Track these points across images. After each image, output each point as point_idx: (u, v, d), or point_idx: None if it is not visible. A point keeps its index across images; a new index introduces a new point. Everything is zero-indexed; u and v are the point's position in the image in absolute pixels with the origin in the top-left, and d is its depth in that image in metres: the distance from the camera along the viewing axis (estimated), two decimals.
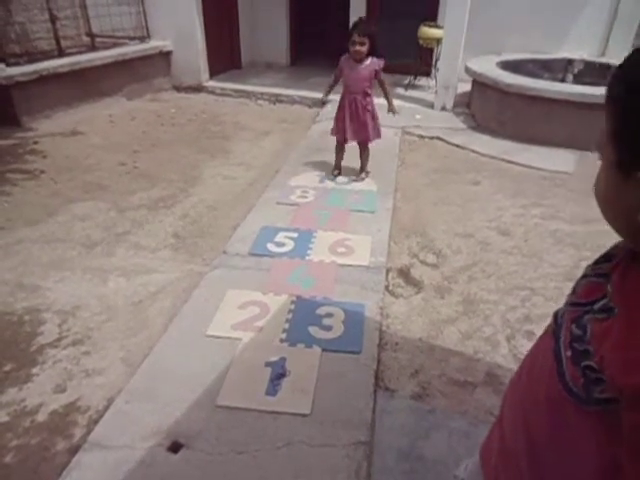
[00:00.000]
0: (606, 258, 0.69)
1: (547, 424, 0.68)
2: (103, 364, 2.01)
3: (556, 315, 0.71)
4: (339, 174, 3.71)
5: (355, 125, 3.44)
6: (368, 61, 3.25)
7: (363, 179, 3.66)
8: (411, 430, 1.75)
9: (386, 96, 3.44)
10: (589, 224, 3.07)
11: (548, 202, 3.49)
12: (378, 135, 3.55)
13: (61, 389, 1.88)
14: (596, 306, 0.62)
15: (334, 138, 3.63)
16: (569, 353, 0.62)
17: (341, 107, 3.46)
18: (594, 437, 0.60)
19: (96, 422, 1.72)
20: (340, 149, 3.65)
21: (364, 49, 3.18)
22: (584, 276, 0.71)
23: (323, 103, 3.62)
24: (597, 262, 0.71)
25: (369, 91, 3.35)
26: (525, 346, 2.16)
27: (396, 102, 5.62)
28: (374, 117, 3.46)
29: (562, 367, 0.63)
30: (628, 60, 0.56)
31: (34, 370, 1.97)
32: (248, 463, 1.58)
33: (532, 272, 2.70)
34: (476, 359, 2.10)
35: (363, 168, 3.68)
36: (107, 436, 1.66)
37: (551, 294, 2.50)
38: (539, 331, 2.37)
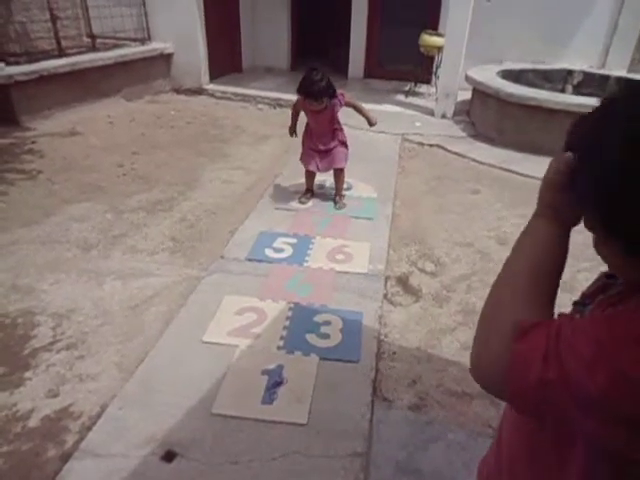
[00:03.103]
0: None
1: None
2: (97, 369, 1.98)
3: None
4: (312, 196, 3.47)
5: (327, 159, 3.29)
6: (328, 107, 3.07)
7: (345, 205, 3.37)
8: (408, 442, 1.72)
9: (362, 113, 3.23)
10: (588, 235, 3.05)
11: None
12: (347, 156, 3.36)
13: (54, 394, 1.85)
14: (598, 298, 0.65)
15: None
16: None
17: (309, 143, 3.29)
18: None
19: (89, 429, 1.70)
20: (310, 174, 3.43)
21: (322, 105, 3.03)
22: (596, 281, 0.72)
23: (291, 134, 3.41)
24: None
25: (337, 126, 3.23)
26: None
27: (397, 109, 5.70)
28: (345, 145, 3.32)
29: None
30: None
31: (27, 374, 1.93)
32: (243, 473, 1.55)
33: None
34: None
35: (339, 192, 3.41)
36: (100, 443, 1.63)
37: None
38: None
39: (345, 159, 3.33)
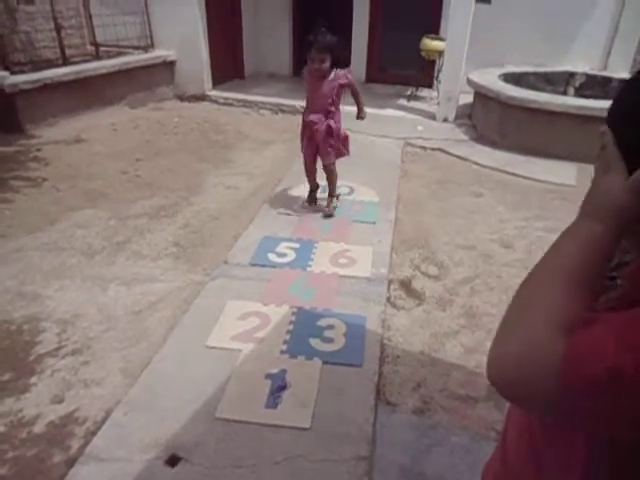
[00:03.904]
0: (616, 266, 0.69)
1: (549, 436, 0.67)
2: (102, 374, 1.99)
3: None
4: (316, 200, 3.39)
5: (315, 145, 3.13)
6: (332, 75, 2.91)
7: (335, 208, 3.28)
8: (412, 445, 1.72)
9: (357, 101, 3.13)
10: None
11: (551, 215, 3.48)
12: (341, 153, 3.20)
13: (59, 399, 1.87)
14: (599, 299, 0.63)
15: None
16: None
17: (303, 125, 3.16)
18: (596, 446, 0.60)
19: (94, 434, 1.71)
20: (309, 169, 3.30)
21: (325, 65, 2.84)
22: None
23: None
24: (613, 269, 0.70)
25: (332, 109, 3.02)
26: None
27: (398, 113, 5.71)
28: (338, 136, 3.12)
29: None
30: None
31: (32, 380, 1.95)
32: (247, 477, 1.56)
33: None
34: (478, 373, 2.08)
35: (331, 193, 3.29)
36: (104, 448, 1.64)
37: None
38: None
39: (332, 154, 3.14)
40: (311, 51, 2.82)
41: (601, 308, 0.64)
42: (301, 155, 3.32)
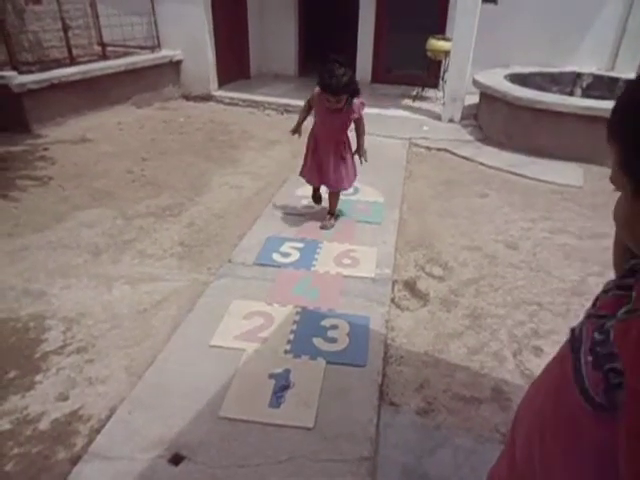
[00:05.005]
0: (630, 273, 0.67)
1: (562, 441, 0.66)
2: (106, 373, 2.00)
3: (573, 330, 0.69)
4: (320, 199, 3.29)
5: (327, 174, 3.01)
6: (346, 107, 2.77)
7: (333, 225, 3.17)
8: (416, 446, 1.72)
9: (358, 140, 2.98)
10: (598, 239, 3.05)
11: (556, 216, 3.47)
12: (350, 183, 3.09)
13: (64, 397, 1.88)
14: (619, 313, 0.60)
15: None
16: (590, 358, 0.60)
17: (310, 150, 3.02)
18: (608, 449, 0.58)
19: (98, 432, 1.71)
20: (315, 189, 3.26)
21: (341, 104, 2.72)
22: (606, 291, 0.69)
23: (294, 133, 3.08)
24: (622, 277, 0.69)
25: (344, 139, 2.95)
26: (532, 362, 2.13)
27: (404, 113, 5.70)
28: (349, 164, 3.02)
29: (581, 375, 0.61)
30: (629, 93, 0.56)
31: (37, 377, 1.96)
32: (250, 477, 1.56)
33: (540, 287, 2.67)
34: (482, 374, 2.07)
35: (332, 211, 3.19)
36: (108, 446, 1.64)
37: (559, 309, 2.47)
38: (546, 347, 2.30)
39: (347, 183, 3.06)
40: (326, 92, 2.67)
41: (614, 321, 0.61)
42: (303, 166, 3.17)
